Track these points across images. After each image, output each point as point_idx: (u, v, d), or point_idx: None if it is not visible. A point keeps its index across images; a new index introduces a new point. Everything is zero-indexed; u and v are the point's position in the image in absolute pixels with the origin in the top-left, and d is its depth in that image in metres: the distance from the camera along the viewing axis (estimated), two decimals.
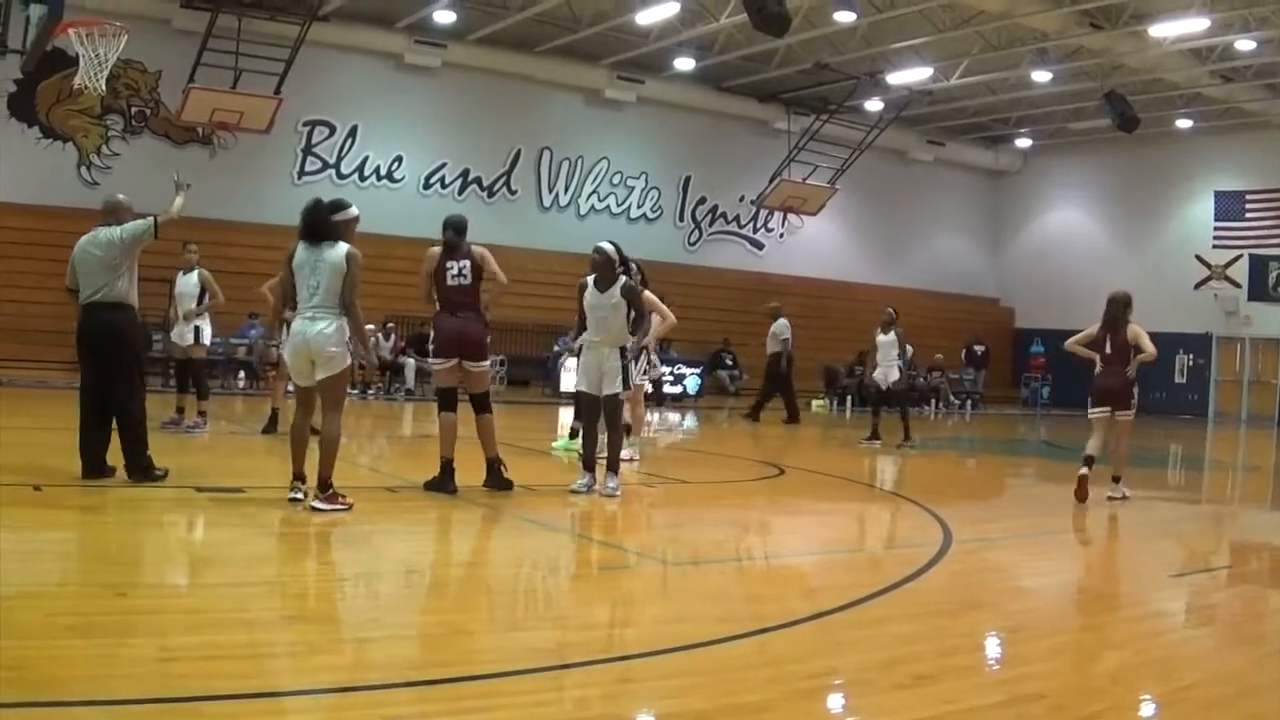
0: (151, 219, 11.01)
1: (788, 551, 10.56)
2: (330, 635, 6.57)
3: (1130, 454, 15.04)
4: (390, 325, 29.31)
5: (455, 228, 11.96)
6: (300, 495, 10.45)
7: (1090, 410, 14.53)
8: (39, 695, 5.01)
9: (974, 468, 18.46)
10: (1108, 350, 14.19)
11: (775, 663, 6.31)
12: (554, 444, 17.12)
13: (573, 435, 16.52)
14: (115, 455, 10.99)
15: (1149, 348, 14.06)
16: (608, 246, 12.54)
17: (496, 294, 12.17)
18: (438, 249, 11.90)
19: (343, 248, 10.42)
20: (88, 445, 10.95)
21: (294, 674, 5.72)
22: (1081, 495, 13.72)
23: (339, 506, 10.28)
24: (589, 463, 12.56)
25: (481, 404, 12.12)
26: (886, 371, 20.83)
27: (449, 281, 11.80)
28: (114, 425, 11.12)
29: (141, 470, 10.91)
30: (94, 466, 10.91)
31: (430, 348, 12.15)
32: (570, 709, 5.40)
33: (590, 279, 12.44)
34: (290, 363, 10.79)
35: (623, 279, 12.38)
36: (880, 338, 20.94)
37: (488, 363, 12.21)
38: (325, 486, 10.36)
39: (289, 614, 6.97)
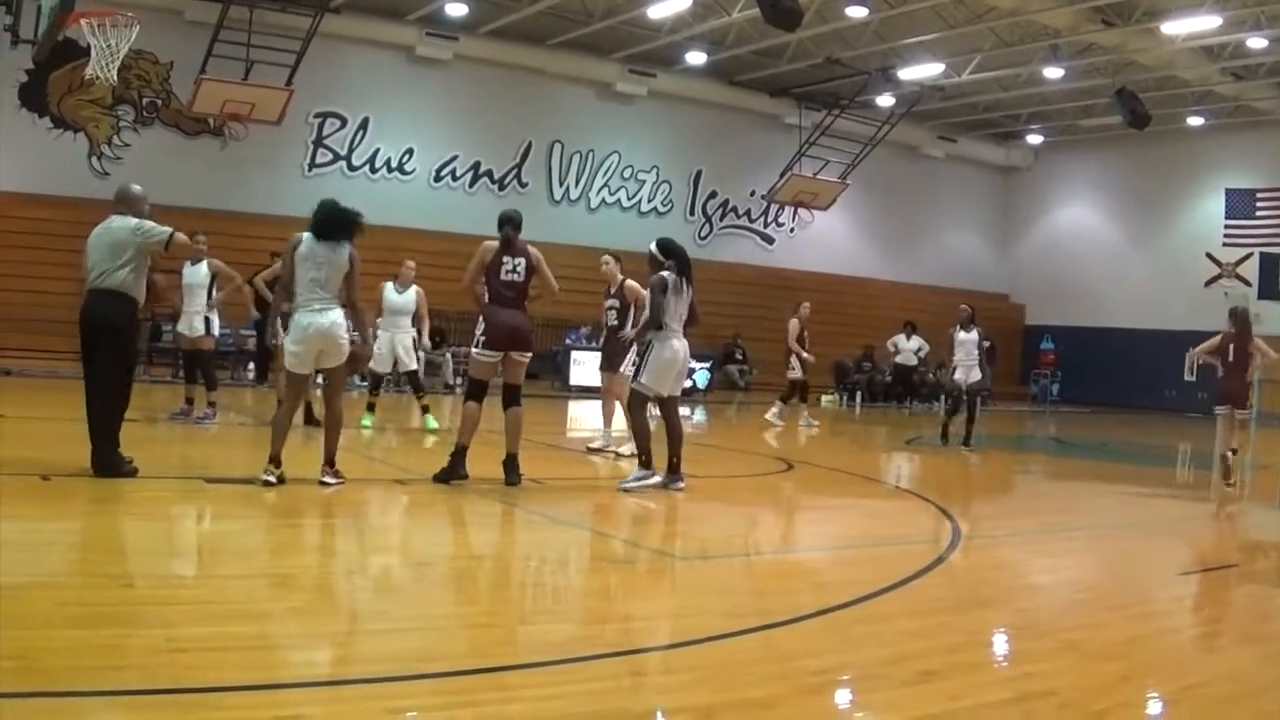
0: (169, 231, 10.89)
1: (795, 547, 10.57)
2: (338, 627, 6.60)
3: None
4: None
5: (515, 223, 12.07)
6: (273, 479, 10.69)
7: (1216, 409, 16.36)
8: (47, 685, 5.03)
9: (982, 464, 18.42)
10: (1230, 358, 16.06)
11: (782, 658, 6.32)
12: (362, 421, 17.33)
13: (370, 409, 17.48)
14: (129, 445, 10.96)
15: (1271, 353, 16.29)
16: (651, 246, 12.79)
17: (548, 300, 12.33)
18: (494, 243, 11.93)
19: (347, 247, 11.00)
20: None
21: (302, 666, 5.74)
22: (1226, 475, 15.85)
23: (341, 480, 10.97)
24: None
25: (515, 396, 12.15)
26: (968, 371, 20.09)
27: (503, 276, 11.84)
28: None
29: (107, 464, 10.61)
30: None
31: (480, 339, 12.08)
32: (578, 702, 5.38)
33: None
34: (299, 352, 10.97)
35: (658, 275, 12.48)
36: (960, 335, 20.19)
37: (530, 354, 12.26)
38: (332, 462, 11.03)
39: (297, 606, 6.97)
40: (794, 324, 23.84)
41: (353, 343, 11.25)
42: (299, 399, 11.28)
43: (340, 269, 10.90)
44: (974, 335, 20.10)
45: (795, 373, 23.92)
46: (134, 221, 10.86)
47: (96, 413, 10.76)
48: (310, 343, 10.85)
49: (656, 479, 12.30)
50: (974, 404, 20.32)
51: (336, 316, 10.89)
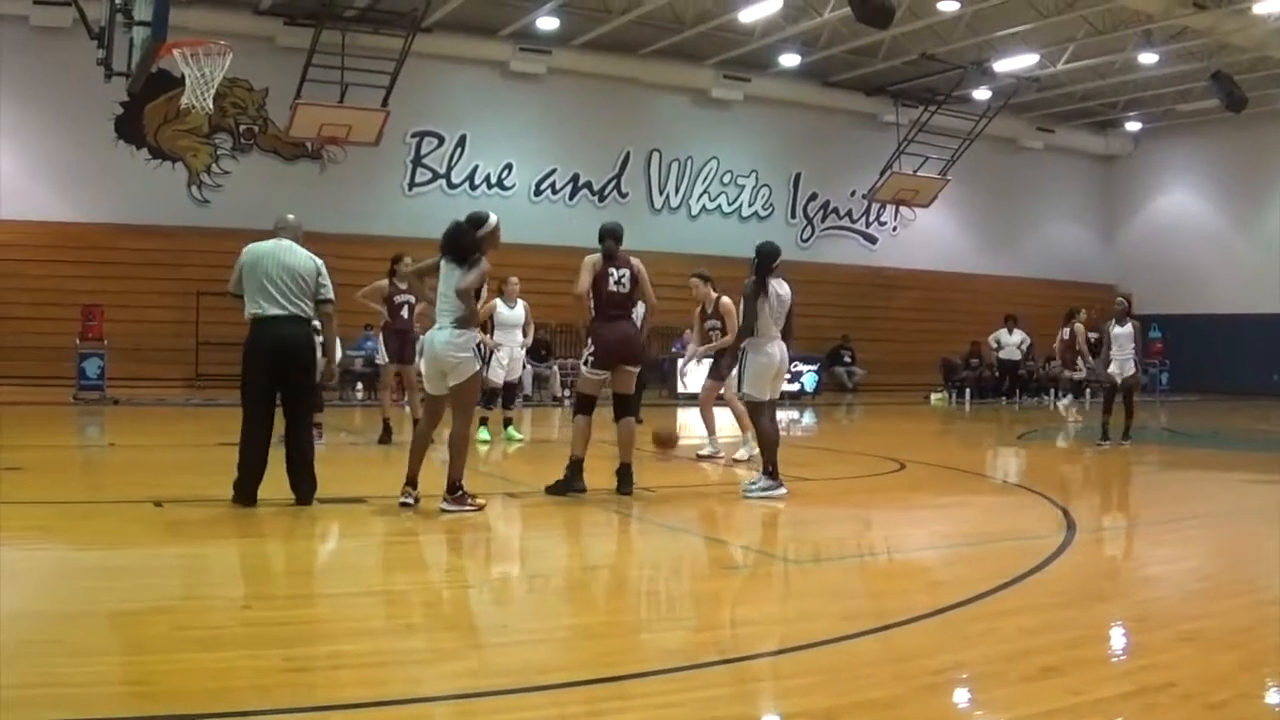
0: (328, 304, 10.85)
1: (910, 546, 10.50)
2: (457, 641, 6.63)
3: None
4: None
5: (616, 236, 12.11)
6: (411, 500, 10.67)
7: None
8: (167, 709, 5.10)
9: (1095, 457, 18.26)
10: None
11: (900, 658, 6.28)
12: None
13: (483, 423, 17.37)
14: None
15: None
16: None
17: (649, 316, 12.55)
18: (598, 256, 11.98)
19: (463, 263, 10.61)
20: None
21: (422, 681, 5.76)
22: None
23: (468, 507, 10.46)
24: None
25: (626, 406, 12.18)
26: (1123, 365, 19.42)
27: (610, 288, 11.93)
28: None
29: (312, 486, 10.78)
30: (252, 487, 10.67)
31: (588, 357, 12.14)
32: (698, 709, 5.37)
33: None
34: (425, 371, 10.98)
35: (749, 281, 12.54)
36: (1116, 329, 19.59)
37: (639, 366, 12.34)
38: (454, 488, 10.55)
39: (415, 621, 7.04)
40: (1079, 329, 25.48)
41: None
42: (434, 420, 11.00)
43: (459, 283, 10.51)
44: (1128, 329, 19.48)
45: (1080, 373, 26.75)
46: (309, 262, 10.74)
47: (298, 440, 11.00)
48: (427, 362, 10.78)
49: (782, 490, 12.25)
50: (1130, 398, 19.58)
51: (448, 335, 10.50)
